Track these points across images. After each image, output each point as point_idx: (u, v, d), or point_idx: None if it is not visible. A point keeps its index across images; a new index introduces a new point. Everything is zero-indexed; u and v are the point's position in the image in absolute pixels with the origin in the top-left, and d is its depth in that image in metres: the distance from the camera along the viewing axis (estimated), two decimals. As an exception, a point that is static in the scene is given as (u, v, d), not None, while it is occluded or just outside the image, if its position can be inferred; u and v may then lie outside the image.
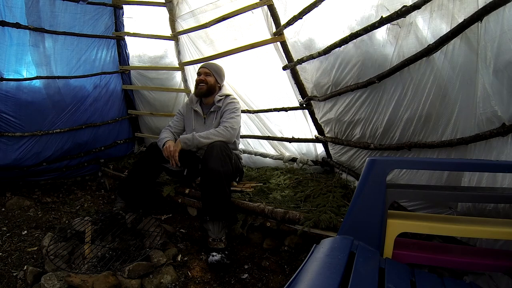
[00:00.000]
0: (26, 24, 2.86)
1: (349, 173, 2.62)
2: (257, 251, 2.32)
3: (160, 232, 2.31)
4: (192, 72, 3.59)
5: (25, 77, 2.97)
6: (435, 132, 1.74)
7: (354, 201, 1.24)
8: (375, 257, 1.09)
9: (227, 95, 2.79)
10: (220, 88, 2.86)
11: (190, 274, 2.07)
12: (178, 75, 3.75)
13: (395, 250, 1.21)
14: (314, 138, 3.00)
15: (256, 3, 2.63)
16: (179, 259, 2.19)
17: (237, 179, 2.81)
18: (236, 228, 2.37)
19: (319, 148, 3.10)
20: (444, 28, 1.52)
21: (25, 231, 2.55)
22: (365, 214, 1.22)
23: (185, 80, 3.69)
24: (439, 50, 1.56)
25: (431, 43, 1.56)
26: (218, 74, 2.82)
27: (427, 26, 1.61)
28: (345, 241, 1.12)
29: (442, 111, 1.66)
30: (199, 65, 3.38)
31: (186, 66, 3.59)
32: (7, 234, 2.48)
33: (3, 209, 2.84)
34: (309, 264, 0.97)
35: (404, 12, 1.62)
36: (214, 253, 2.14)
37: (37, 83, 3.05)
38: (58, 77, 3.14)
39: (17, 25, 2.80)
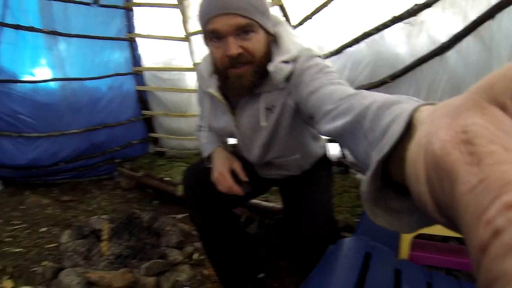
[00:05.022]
0: (40, 28, 2.92)
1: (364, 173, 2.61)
2: (273, 251, 2.33)
3: (176, 231, 2.34)
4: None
5: (40, 79, 3.04)
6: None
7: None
8: (391, 258, 1.10)
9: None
10: (274, 39, 1.19)
11: (206, 273, 2.10)
12: (189, 76, 3.75)
13: (411, 251, 1.22)
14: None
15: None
16: (195, 258, 2.22)
17: None
18: (253, 228, 2.39)
19: (334, 149, 3.08)
20: (457, 26, 1.51)
21: (44, 228, 2.61)
22: (380, 215, 1.22)
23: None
24: (452, 49, 1.55)
25: (444, 41, 1.55)
26: (261, 11, 1.11)
27: (439, 25, 1.60)
28: (361, 242, 1.13)
29: (457, 111, 1.65)
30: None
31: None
32: (27, 231, 2.55)
33: (23, 207, 2.92)
34: (325, 265, 0.99)
35: (415, 10, 1.62)
36: None
37: (52, 85, 3.12)
38: (73, 79, 3.21)
39: (31, 29, 2.85)
